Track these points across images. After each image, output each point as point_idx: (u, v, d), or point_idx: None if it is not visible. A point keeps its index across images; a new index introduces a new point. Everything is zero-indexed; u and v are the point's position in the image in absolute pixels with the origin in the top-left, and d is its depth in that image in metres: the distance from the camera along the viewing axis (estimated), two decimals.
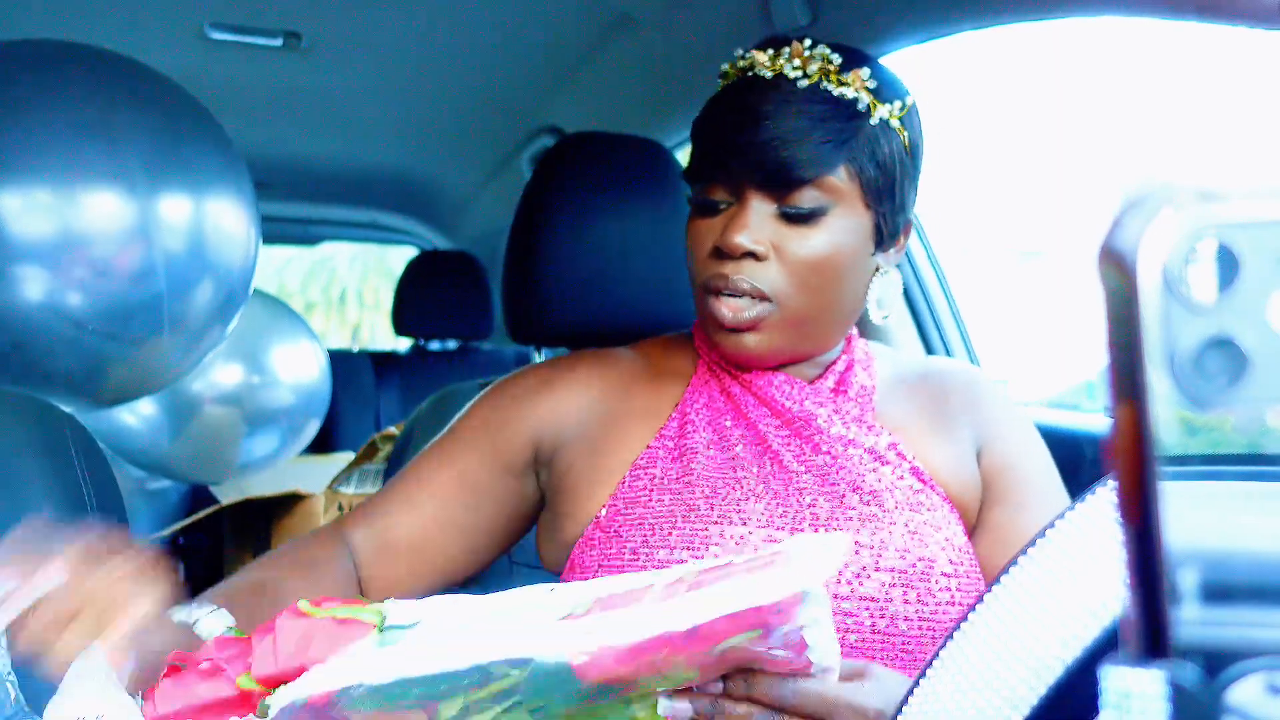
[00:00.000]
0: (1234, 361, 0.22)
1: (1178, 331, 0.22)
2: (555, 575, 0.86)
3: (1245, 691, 0.22)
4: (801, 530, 0.77)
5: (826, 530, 0.77)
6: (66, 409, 0.97)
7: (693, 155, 0.83)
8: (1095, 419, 1.23)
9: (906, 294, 1.48)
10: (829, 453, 0.80)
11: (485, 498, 0.87)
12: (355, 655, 0.49)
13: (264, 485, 1.80)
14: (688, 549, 0.76)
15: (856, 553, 0.76)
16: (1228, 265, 0.22)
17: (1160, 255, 0.22)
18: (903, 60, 1.25)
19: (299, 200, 2.90)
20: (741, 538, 0.76)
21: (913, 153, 0.82)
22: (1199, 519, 0.23)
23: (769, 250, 0.78)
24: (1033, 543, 0.39)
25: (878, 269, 0.83)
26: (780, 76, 0.78)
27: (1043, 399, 1.43)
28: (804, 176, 0.76)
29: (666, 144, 1.25)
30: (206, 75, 1.44)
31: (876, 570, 0.75)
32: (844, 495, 0.78)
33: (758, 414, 0.83)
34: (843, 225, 0.78)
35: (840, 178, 0.77)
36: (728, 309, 0.78)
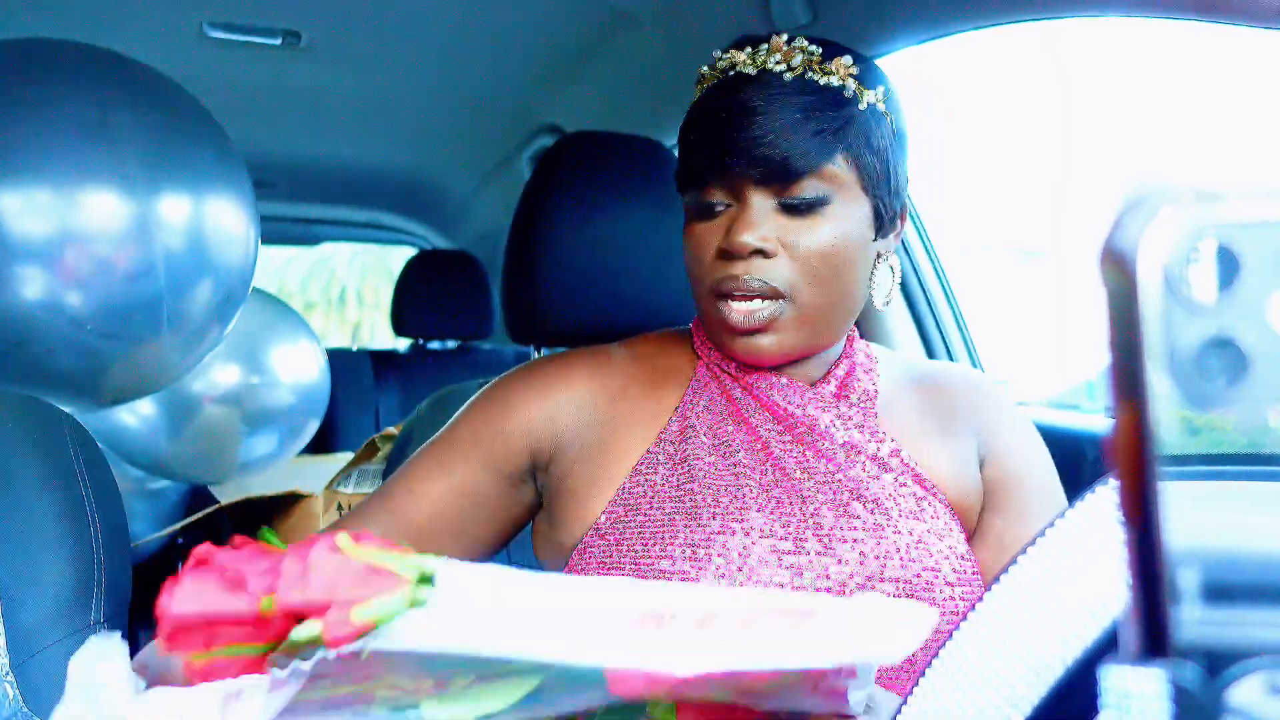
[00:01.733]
0: (1234, 361, 0.22)
1: (1178, 331, 0.22)
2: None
3: (1246, 691, 0.22)
4: (805, 540, 0.76)
5: (830, 539, 0.76)
6: (66, 409, 0.97)
7: (683, 160, 0.82)
8: (1095, 419, 1.23)
9: (906, 293, 1.48)
10: (832, 459, 0.79)
11: (483, 506, 0.85)
12: (388, 610, 0.46)
13: (264, 485, 1.80)
14: (690, 559, 0.74)
15: (862, 563, 0.75)
16: (1228, 265, 0.22)
17: (1160, 255, 0.22)
18: (903, 60, 1.25)
19: (299, 200, 2.90)
20: (745, 548, 0.75)
21: (899, 136, 0.82)
22: (1199, 519, 0.23)
23: (776, 246, 0.77)
24: (1033, 542, 0.39)
25: (879, 255, 0.83)
26: (765, 71, 0.78)
27: (1043, 399, 1.43)
28: (804, 168, 0.76)
29: (666, 144, 1.25)
30: (206, 75, 1.44)
31: (881, 580, 0.74)
32: (848, 504, 0.77)
33: (760, 418, 0.82)
34: (845, 213, 0.78)
35: (839, 166, 0.77)
36: (740, 313, 0.77)
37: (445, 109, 2.09)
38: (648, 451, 0.81)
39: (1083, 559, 0.37)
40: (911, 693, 0.41)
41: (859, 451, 0.80)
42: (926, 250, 1.50)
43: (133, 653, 0.51)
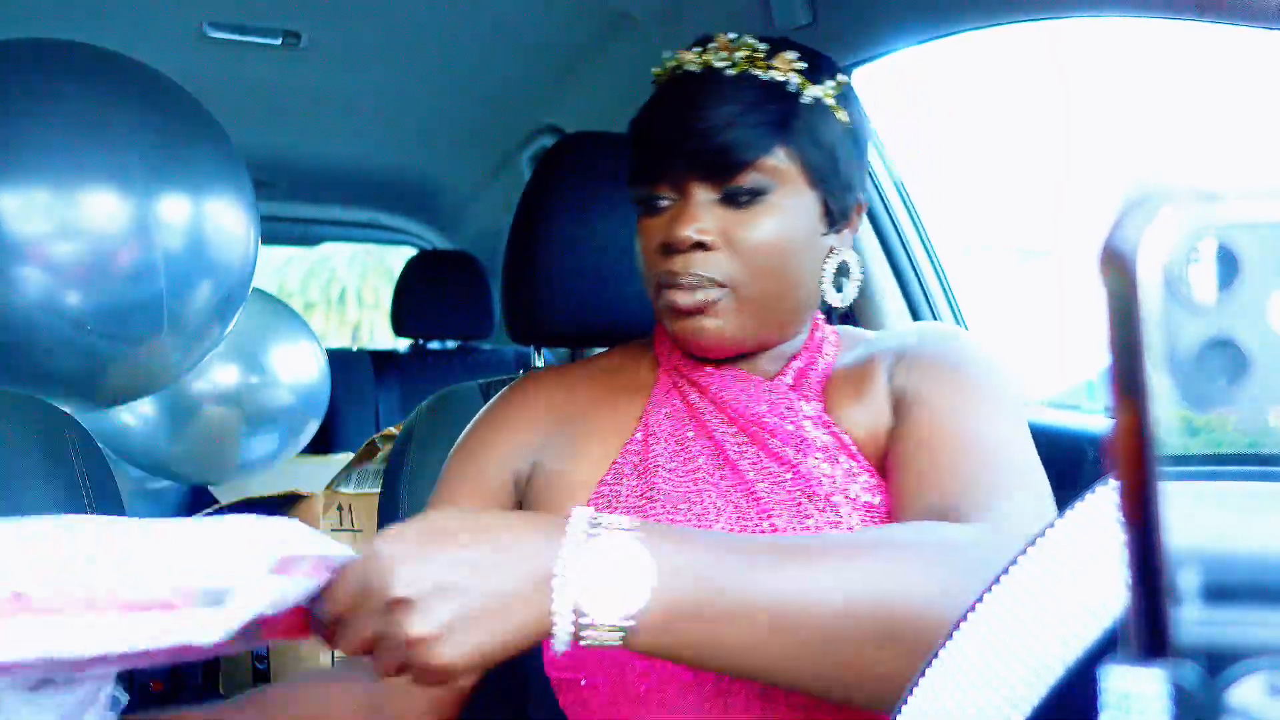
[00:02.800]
0: (1234, 361, 0.22)
1: (1178, 331, 0.22)
2: None
3: (1246, 692, 0.22)
4: None
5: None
6: (66, 409, 0.97)
7: (632, 158, 0.83)
8: (1095, 419, 1.23)
9: (906, 293, 1.48)
10: (782, 458, 0.78)
11: None
12: None
13: (263, 485, 1.80)
14: None
15: None
16: (1228, 265, 0.22)
17: (1161, 255, 0.22)
18: (903, 60, 1.25)
19: (299, 200, 2.90)
20: None
21: (854, 132, 0.82)
22: (1199, 519, 0.23)
23: (717, 239, 0.78)
24: (1033, 542, 0.39)
25: (832, 250, 0.83)
26: (708, 68, 0.80)
27: (1043, 399, 1.43)
28: (742, 159, 0.77)
29: None
30: (206, 75, 1.44)
31: None
32: (800, 504, 0.77)
33: (716, 422, 0.82)
34: (788, 206, 0.79)
35: (780, 159, 0.78)
36: (681, 293, 0.79)
37: (445, 109, 2.09)
38: (613, 464, 0.82)
39: (1083, 559, 0.37)
40: (911, 693, 0.41)
41: (810, 446, 0.79)
42: (926, 250, 1.50)
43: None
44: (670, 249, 0.79)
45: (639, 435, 0.83)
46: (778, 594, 0.55)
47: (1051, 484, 0.75)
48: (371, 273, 12.02)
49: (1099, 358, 0.22)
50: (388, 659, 0.54)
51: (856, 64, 1.35)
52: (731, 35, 0.81)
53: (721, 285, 0.78)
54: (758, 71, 0.79)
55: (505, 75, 1.83)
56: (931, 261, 1.50)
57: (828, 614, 0.55)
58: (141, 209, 1.05)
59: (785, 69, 0.79)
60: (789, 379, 0.83)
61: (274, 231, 3.09)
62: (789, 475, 0.78)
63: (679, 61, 0.82)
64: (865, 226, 1.48)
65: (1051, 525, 0.38)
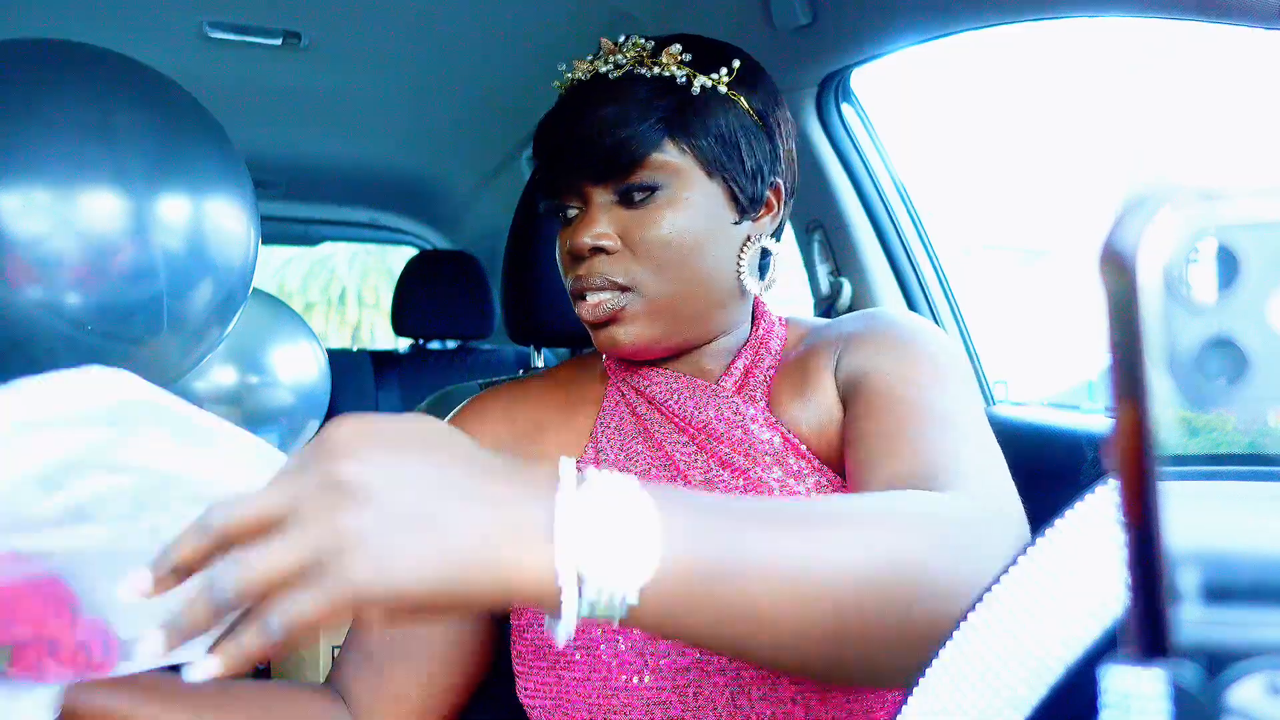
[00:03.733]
0: (1234, 361, 0.22)
1: (1178, 331, 0.22)
2: (504, 615, 0.82)
3: (1246, 692, 0.22)
4: None
5: None
6: None
7: (535, 170, 0.84)
8: (1095, 419, 1.23)
9: (906, 293, 1.48)
10: (731, 465, 0.77)
11: None
12: None
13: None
14: None
15: None
16: (1228, 265, 0.22)
17: (1161, 255, 0.22)
18: (902, 61, 1.25)
19: (299, 200, 2.90)
20: None
21: (759, 115, 0.81)
22: (1199, 519, 0.23)
23: (617, 241, 0.78)
24: (1033, 542, 0.39)
25: (749, 238, 0.82)
26: (595, 74, 0.81)
27: (1043, 399, 1.43)
28: (630, 157, 0.76)
29: None
30: (206, 75, 1.44)
31: None
32: None
33: (663, 432, 0.81)
34: (686, 200, 0.78)
35: (670, 154, 0.78)
36: (588, 306, 0.79)
37: (445, 109, 2.09)
38: None
39: (1083, 559, 0.37)
40: (911, 693, 0.41)
41: (757, 449, 0.78)
42: (926, 250, 1.50)
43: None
44: (574, 256, 0.79)
45: (589, 452, 0.82)
46: (800, 558, 0.47)
47: (1051, 484, 0.75)
48: (371, 273, 12.02)
49: (1099, 358, 0.22)
50: (278, 574, 0.40)
51: (856, 64, 1.35)
52: (622, 38, 0.82)
53: (626, 289, 0.78)
54: (643, 70, 0.79)
55: (505, 75, 1.83)
56: (931, 261, 1.50)
57: (848, 581, 0.48)
58: (141, 209, 1.05)
59: (670, 63, 0.79)
60: (734, 380, 0.82)
61: (274, 231, 3.09)
62: (739, 483, 0.77)
63: (572, 72, 0.84)
64: (865, 226, 1.48)
65: (1051, 525, 0.38)
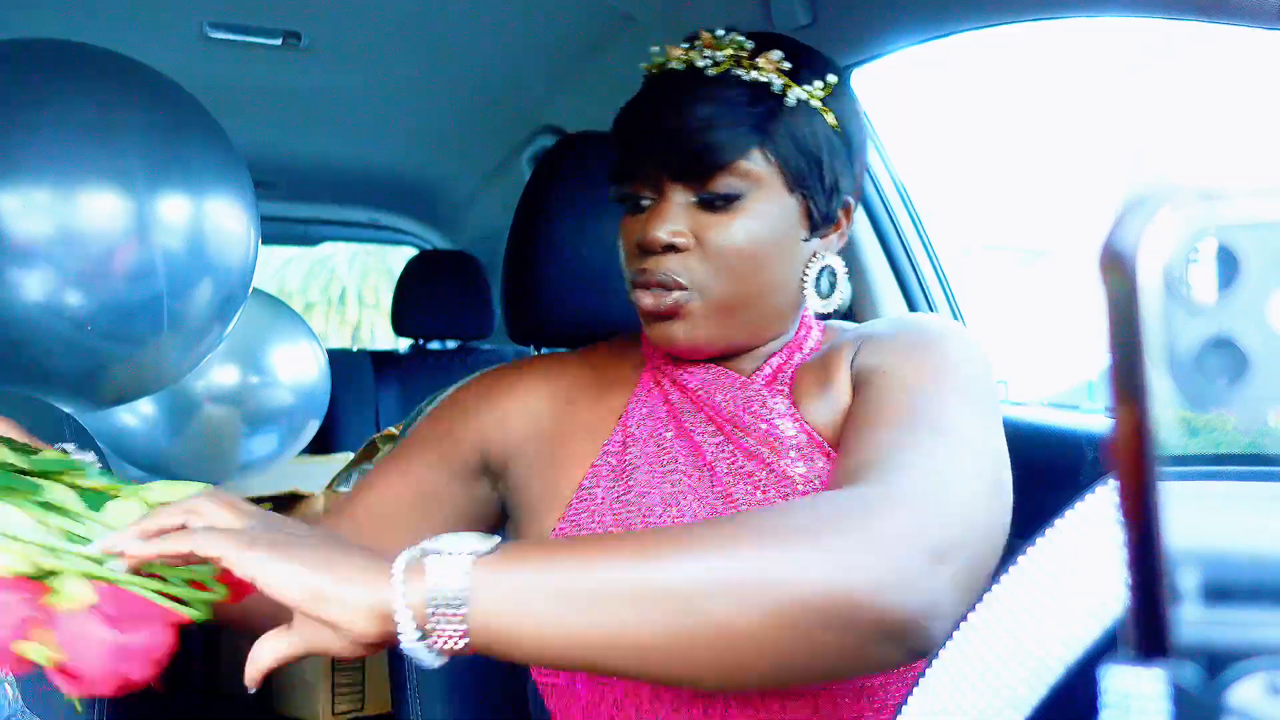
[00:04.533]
0: (1234, 361, 0.22)
1: (1178, 331, 0.22)
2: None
3: (1246, 692, 0.22)
4: None
5: None
6: (66, 409, 0.97)
7: (615, 155, 0.83)
8: (1095, 419, 1.23)
9: (906, 293, 1.48)
10: (757, 456, 0.78)
11: (437, 505, 0.87)
12: None
13: (264, 485, 1.80)
14: None
15: None
16: (1228, 265, 0.22)
17: (1161, 255, 0.22)
18: (903, 61, 1.25)
19: (299, 200, 2.90)
20: None
21: (844, 134, 0.80)
22: (1199, 519, 0.23)
23: (689, 241, 0.77)
24: (1033, 542, 0.39)
25: (815, 254, 0.81)
26: (691, 67, 0.78)
27: (1043, 399, 1.43)
28: (717, 162, 0.75)
29: None
30: (206, 75, 1.44)
31: None
32: (775, 503, 0.76)
33: (694, 421, 0.82)
34: (764, 210, 0.77)
35: (756, 162, 0.77)
36: (650, 296, 0.78)
37: (445, 109, 2.09)
38: (592, 465, 0.82)
39: (1083, 559, 0.37)
40: (911, 693, 0.41)
41: (783, 443, 0.78)
42: (926, 250, 1.50)
43: None
44: (644, 249, 0.78)
45: (618, 435, 0.83)
46: (621, 576, 0.55)
47: (1051, 484, 0.74)
48: (371, 273, 12.02)
49: (1099, 358, 0.22)
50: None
51: (856, 64, 1.35)
52: (720, 31, 0.80)
53: (691, 288, 0.78)
54: (740, 71, 0.77)
55: (505, 75, 1.83)
56: (931, 261, 1.50)
57: (676, 590, 0.54)
58: (141, 209, 1.05)
59: (770, 69, 0.77)
60: (766, 374, 0.82)
61: (274, 231, 3.08)
62: (764, 475, 0.77)
63: (665, 58, 0.81)
64: (865, 226, 1.48)
65: (1052, 525, 0.38)
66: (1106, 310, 0.22)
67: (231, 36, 1.62)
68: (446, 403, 0.91)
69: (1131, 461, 0.22)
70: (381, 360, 2.71)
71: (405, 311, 2.65)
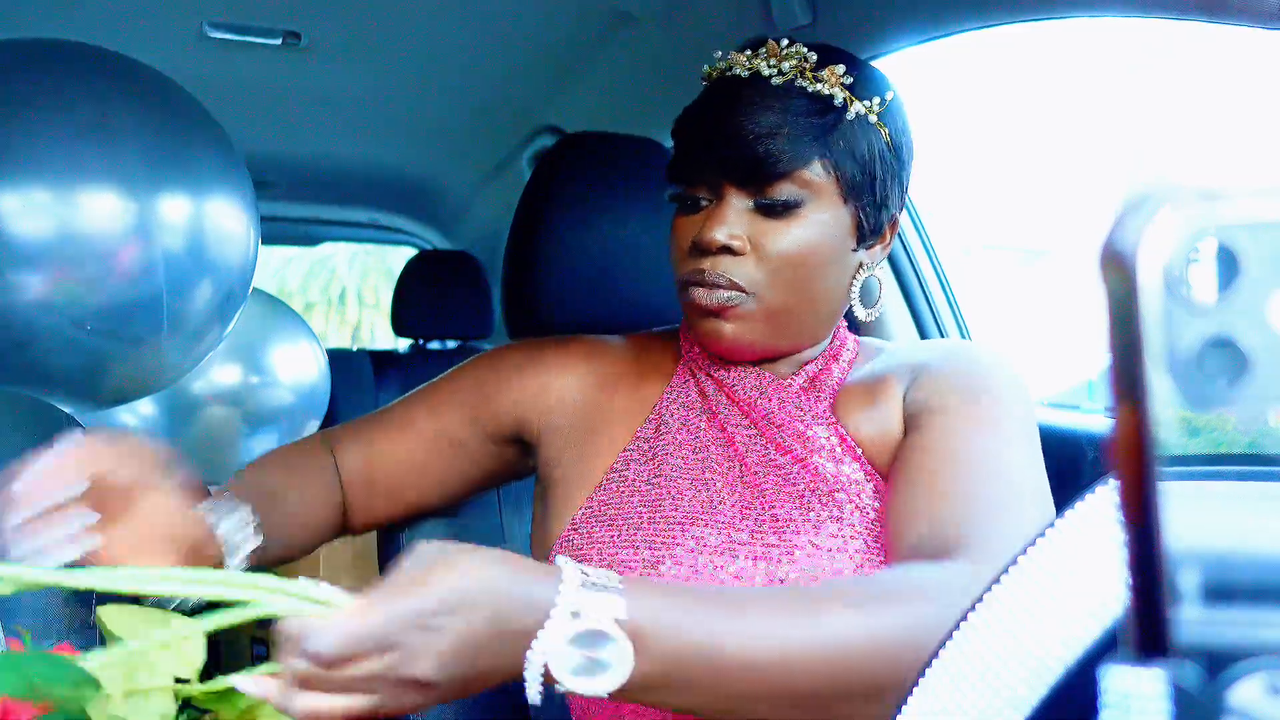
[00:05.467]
0: (1234, 361, 0.22)
1: (1178, 331, 0.22)
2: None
3: (1246, 692, 0.22)
4: (761, 534, 0.77)
5: (785, 533, 0.76)
6: (66, 409, 0.97)
7: (674, 155, 0.84)
8: (1095, 419, 1.23)
9: (906, 294, 1.48)
10: (791, 453, 0.80)
11: (463, 455, 0.91)
12: None
13: None
14: (651, 549, 0.77)
15: (815, 556, 0.76)
16: (1228, 265, 0.22)
17: (1161, 255, 0.22)
18: (903, 60, 1.25)
19: (299, 200, 2.90)
20: (700, 538, 0.77)
21: (895, 149, 0.83)
22: (1199, 519, 0.23)
23: (745, 244, 0.79)
24: (1033, 543, 0.39)
25: (861, 265, 0.84)
26: (756, 75, 0.80)
27: (1043, 399, 1.43)
28: (779, 170, 0.77)
29: (666, 144, 1.25)
30: (206, 75, 1.44)
31: (834, 573, 0.75)
32: (804, 496, 0.78)
33: (728, 414, 0.84)
34: (820, 220, 0.79)
35: (816, 172, 0.79)
36: (701, 295, 0.80)
37: (445, 109, 2.09)
38: (624, 450, 0.85)
39: (1083, 559, 0.37)
40: (911, 693, 0.41)
41: (816, 443, 0.81)
42: (926, 250, 1.50)
43: None
44: (700, 249, 0.80)
45: (651, 423, 0.86)
46: (758, 654, 0.57)
47: (1051, 484, 0.75)
48: (371, 273, 12.02)
49: (1099, 358, 0.22)
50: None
51: None
52: (785, 41, 0.81)
53: (744, 290, 0.79)
54: (804, 82, 0.79)
55: (505, 75, 1.83)
56: (932, 262, 1.50)
57: (802, 671, 0.57)
58: (141, 209, 1.05)
59: (833, 83, 0.80)
60: (802, 381, 0.85)
61: (274, 231, 3.08)
62: (795, 468, 0.79)
63: (729, 63, 0.82)
64: None
65: (1051, 525, 0.38)
66: (1106, 310, 0.22)
67: (231, 36, 1.62)
68: (489, 363, 0.93)
69: (1132, 461, 0.22)
70: (381, 360, 2.71)
71: (405, 311, 2.65)
